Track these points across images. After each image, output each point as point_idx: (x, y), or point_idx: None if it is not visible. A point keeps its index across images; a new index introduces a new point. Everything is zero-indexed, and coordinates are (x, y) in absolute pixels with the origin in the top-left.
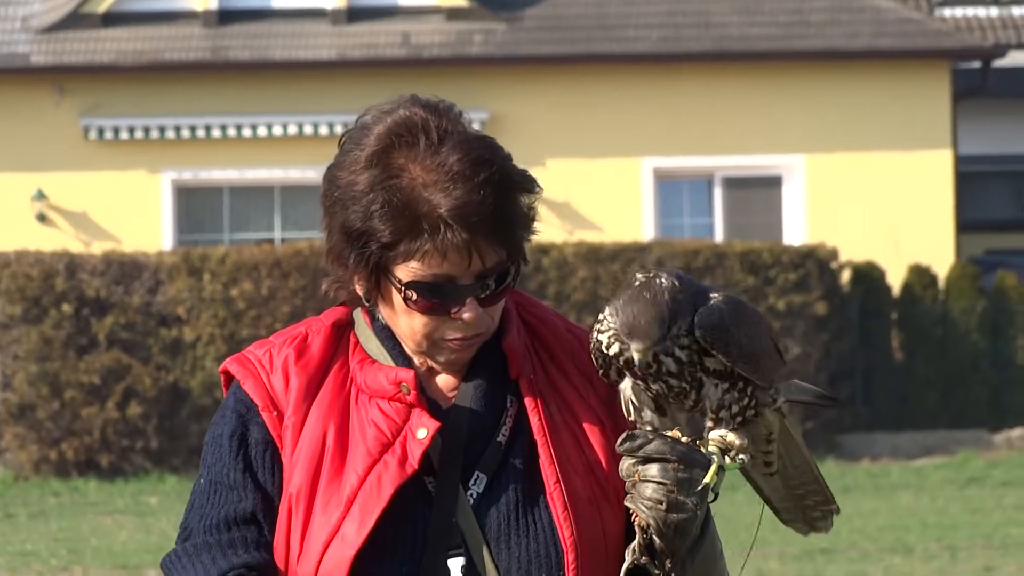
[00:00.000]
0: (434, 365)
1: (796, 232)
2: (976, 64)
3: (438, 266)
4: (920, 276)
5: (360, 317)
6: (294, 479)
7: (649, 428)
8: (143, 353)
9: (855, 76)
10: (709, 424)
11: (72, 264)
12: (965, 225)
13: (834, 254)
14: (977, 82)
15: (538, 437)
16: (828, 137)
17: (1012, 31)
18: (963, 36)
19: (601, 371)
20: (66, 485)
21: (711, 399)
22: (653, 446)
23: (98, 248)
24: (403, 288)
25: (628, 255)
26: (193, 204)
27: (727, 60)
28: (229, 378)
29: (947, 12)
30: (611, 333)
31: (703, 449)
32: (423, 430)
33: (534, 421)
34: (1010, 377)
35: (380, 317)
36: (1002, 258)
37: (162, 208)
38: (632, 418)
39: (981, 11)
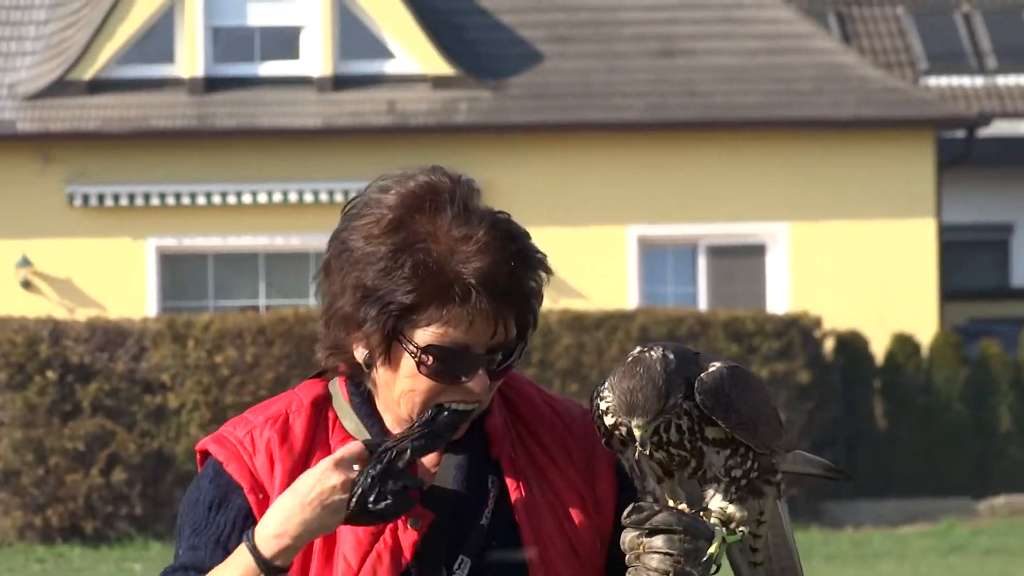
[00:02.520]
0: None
1: (780, 301)
2: (961, 133)
3: (461, 333)
4: (904, 345)
5: (338, 391)
6: None
7: (651, 498)
8: (127, 420)
9: (840, 145)
10: (709, 494)
11: (56, 330)
12: (949, 294)
13: (818, 323)
14: (962, 151)
15: (520, 519)
16: (812, 205)
17: (996, 100)
18: (948, 105)
19: (604, 440)
20: (51, 551)
21: (715, 466)
22: (660, 518)
23: (83, 315)
24: (419, 352)
25: (612, 323)
26: (178, 271)
27: (713, 128)
28: (205, 455)
29: (932, 81)
30: (611, 407)
31: (708, 517)
32: (414, 519)
33: (516, 502)
34: (993, 445)
35: (367, 385)
36: (986, 327)
37: (147, 275)
38: (636, 484)
39: (966, 80)
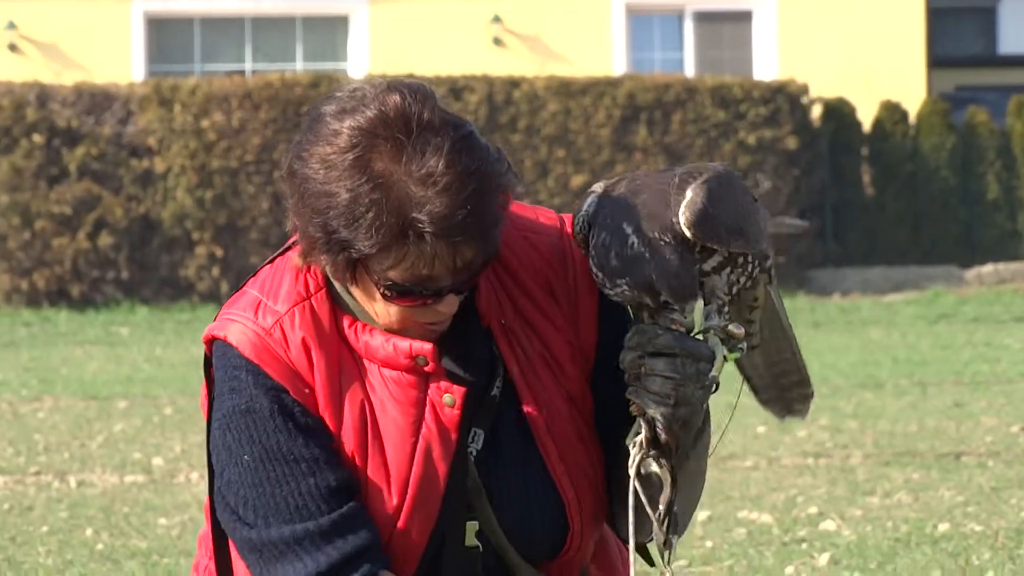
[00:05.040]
0: None
1: (767, 67)
2: None
3: (421, 270)
4: (891, 112)
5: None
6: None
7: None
8: (114, 184)
9: None
10: (708, 313)
11: (43, 94)
12: (936, 61)
13: (805, 89)
14: None
15: (520, 386)
16: None
17: None
18: None
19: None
20: (37, 315)
21: (719, 289)
22: (662, 340)
23: (69, 79)
24: (382, 287)
25: (599, 89)
26: (164, 35)
27: None
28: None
29: None
30: (626, 294)
31: (707, 340)
32: (449, 396)
33: (514, 370)
34: (980, 213)
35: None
36: (973, 94)
37: (132, 39)
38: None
39: None
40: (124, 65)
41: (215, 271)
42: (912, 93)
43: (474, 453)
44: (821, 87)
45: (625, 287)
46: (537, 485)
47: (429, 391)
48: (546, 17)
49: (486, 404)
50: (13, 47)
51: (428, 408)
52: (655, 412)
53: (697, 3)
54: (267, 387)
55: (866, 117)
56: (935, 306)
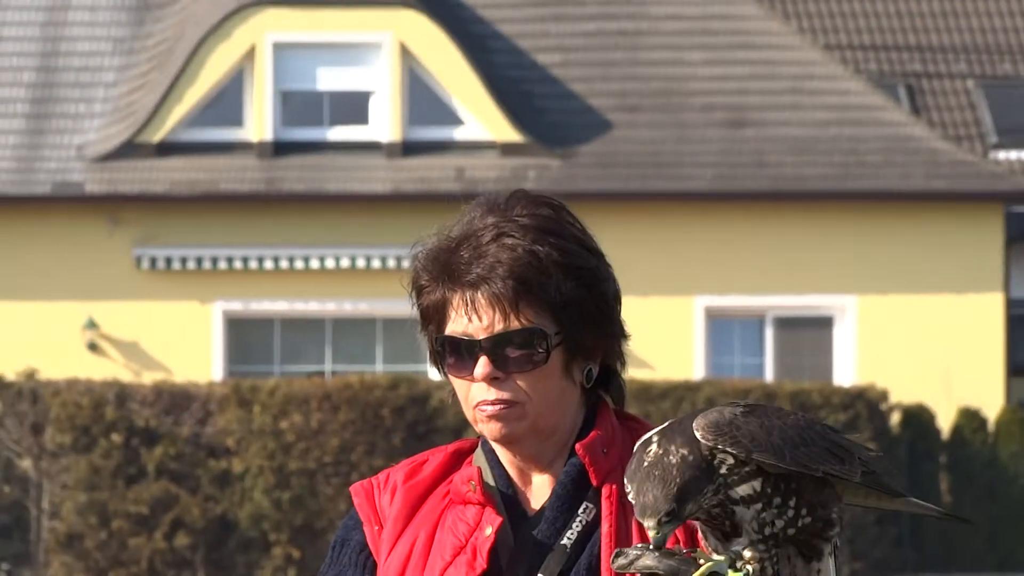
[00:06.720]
0: (503, 450)
1: (846, 373)
2: None
3: (459, 323)
4: (970, 419)
5: (480, 444)
6: None
7: (641, 545)
8: (191, 484)
9: (908, 217)
10: (737, 542)
11: (122, 393)
12: (1016, 368)
13: (884, 396)
14: None
15: (604, 542)
16: (880, 278)
17: None
18: (1017, 179)
19: None
20: None
21: (745, 521)
22: (641, 562)
23: (148, 378)
24: (436, 345)
25: (678, 394)
26: (244, 335)
27: (781, 199)
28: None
29: (1001, 155)
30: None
31: (704, 558)
32: (488, 527)
33: (604, 528)
34: None
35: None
36: None
37: (213, 339)
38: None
39: None
40: (204, 365)
41: (291, 573)
42: (991, 400)
43: None
44: (900, 393)
45: (631, 492)
46: None
47: (481, 521)
48: (627, 321)
49: (555, 552)
50: (93, 346)
51: (473, 537)
52: None
53: (778, 309)
54: (347, 525)
55: (945, 423)
56: None
